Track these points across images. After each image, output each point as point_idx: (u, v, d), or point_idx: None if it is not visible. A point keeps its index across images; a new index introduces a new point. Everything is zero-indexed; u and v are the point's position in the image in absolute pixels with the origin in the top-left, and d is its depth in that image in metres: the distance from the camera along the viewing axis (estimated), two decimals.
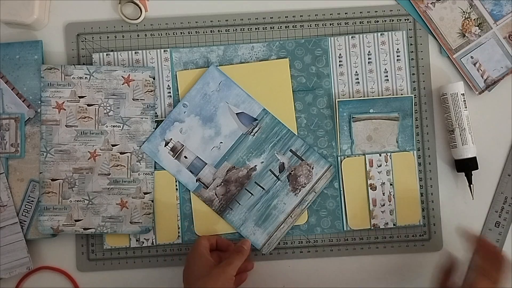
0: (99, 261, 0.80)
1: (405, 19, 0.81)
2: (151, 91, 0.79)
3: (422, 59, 0.81)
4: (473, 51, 0.81)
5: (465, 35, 0.81)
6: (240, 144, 0.79)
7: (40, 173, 0.78)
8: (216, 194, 0.79)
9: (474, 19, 0.81)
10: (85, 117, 0.78)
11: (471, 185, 0.79)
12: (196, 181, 0.79)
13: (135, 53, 0.80)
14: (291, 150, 0.79)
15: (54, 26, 0.81)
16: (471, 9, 0.81)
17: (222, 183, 0.79)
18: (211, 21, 0.81)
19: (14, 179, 0.79)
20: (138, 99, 0.79)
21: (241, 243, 0.76)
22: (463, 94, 0.79)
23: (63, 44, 0.81)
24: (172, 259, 0.80)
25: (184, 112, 0.79)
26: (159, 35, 0.81)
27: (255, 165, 0.79)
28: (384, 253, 0.81)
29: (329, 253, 0.81)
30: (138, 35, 0.81)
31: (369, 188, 0.80)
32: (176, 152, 0.79)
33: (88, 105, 0.78)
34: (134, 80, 0.78)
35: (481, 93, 0.81)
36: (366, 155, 0.80)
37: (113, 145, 0.78)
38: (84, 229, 0.78)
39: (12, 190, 0.78)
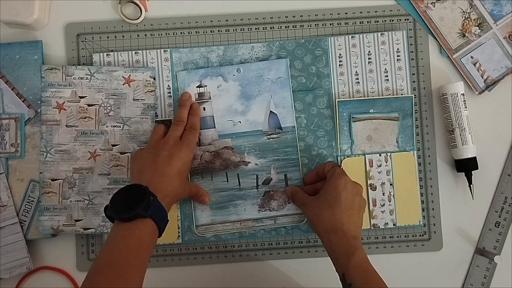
0: None
1: (405, 19, 0.81)
2: (152, 91, 0.79)
3: (422, 59, 0.81)
4: (473, 51, 0.81)
5: (465, 35, 0.81)
6: (252, 136, 0.79)
7: (40, 173, 0.78)
8: (201, 156, 0.78)
9: (474, 19, 0.81)
10: (85, 117, 0.78)
11: (471, 185, 0.79)
12: None
13: (135, 53, 0.80)
14: (285, 175, 0.79)
15: (54, 26, 0.81)
16: (471, 9, 0.81)
17: (213, 153, 0.79)
18: (211, 21, 0.81)
19: (14, 179, 0.79)
20: (138, 99, 0.79)
21: (191, 122, 0.77)
22: (463, 94, 0.79)
23: (63, 44, 0.81)
24: (172, 259, 0.80)
25: (233, 75, 0.79)
26: (159, 35, 0.81)
27: (249, 162, 0.79)
28: (384, 253, 0.81)
29: None
30: (138, 35, 0.81)
31: (369, 188, 0.80)
32: (201, 98, 0.79)
33: (89, 105, 0.78)
34: (134, 80, 0.78)
35: (481, 93, 0.81)
36: (366, 155, 0.80)
37: (113, 145, 0.78)
38: (84, 229, 0.78)
39: (12, 190, 0.78)
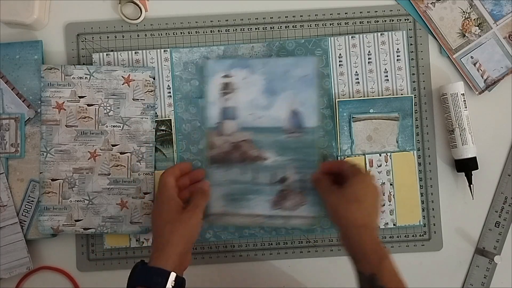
0: (99, 261, 0.80)
1: (405, 19, 0.81)
2: (151, 91, 0.79)
3: (422, 59, 0.81)
4: (473, 51, 0.81)
5: (465, 35, 0.81)
6: (272, 132, 0.78)
7: (40, 173, 0.78)
8: (220, 147, 0.78)
9: (474, 19, 0.81)
10: (85, 117, 0.78)
11: (471, 185, 0.79)
12: (216, 123, 0.79)
13: (135, 53, 0.80)
14: (302, 176, 0.77)
15: (54, 26, 0.81)
16: (471, 9, 0.81)
17: (232, 144, 0.78)
18: (211, 21, 0.81)
19: (14, 179, 0.79)
20: (138, 99, 0.78)
21: (201, 185, 0.76)
22: (463, 94, 0.79)
23: (63, 44, 0.81)
24: None
25: (261, 68, 0.78)
26: (159, 35, 0.81)
27: (267, 158, 0.78)
28: None
29: (329, 253, 0.81)
30: (138, 35, 0.81)
31: None
32: (225, 88, 0.78)
33: (88, 105, 0.78)
34: (134, 80, 0.78)
35: (481, 93, 0.81)
36: (366, 155, 0.80)
37: (113, 145, 0.78)
38: (84, 229, 0.78)
39: (12, 190, 0.78)
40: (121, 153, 0.78)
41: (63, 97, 0.78)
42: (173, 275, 0.65)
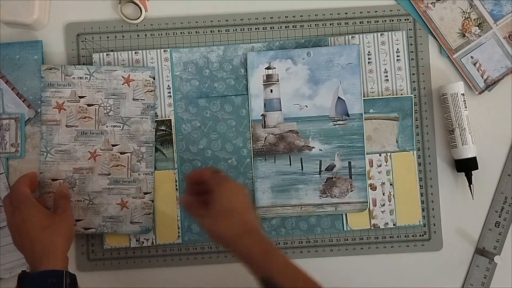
0: (99, 261, 0.80)
1: (405, 19, 0.81)
2: (151, 91, 0.79)
3: (422, 59, 0.81)
4: (473, 51, 0.81)
5: (465, 35, 0.81)
6: (318, 121, 0.79)
7: (40, 173, 0.78)
8: (265, 139, 0.79)
9: (474, 19, 0.81)
10: (85, 117, 0.78)
11: (471, 185, 0.79)
12: (261, 115, 0.79)
13: (135, 53, 0.80)
14: (349, 163, 0.79)
15: (54, 26, 0.81)
16: (471, 9, 0.81)
17: (278, 135, 0.79)
18: (211, 21, 0.81)
19: (14, 179, 0.78)
20: (138, 99, 0.78)
21: (60, 188, 0.77)
22: (463, 94, 0.79)
23: (63, 44, 0.81)
24: (172, 259, 0.80)
25: (303, 59, 0.79)
26: (159, 35, 0.81)
27: (313, 147, 0.79)
28: (384, 253, 0.81)
29: (329, 253, 0.81)
30: (138, 35, 0.81)
31: (369, 188, 0.80)
32: (268, 80, 0.79)
33: (88, 105, 0.78)
34: (134, 80, 0.78)
35: (481, 93, 0.81)
36: (366, 155, 0.80)
37: (113, 145, 0.78)
38: (85, 229, 0.78)
39: None
40: (121, 153, 0.78)
41: (63, 97, 0.78)
42: (66, 273, 0.67)
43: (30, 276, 0.67)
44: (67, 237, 0.71)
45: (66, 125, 0.78)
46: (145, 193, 0.79)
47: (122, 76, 0.78)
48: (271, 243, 0.66)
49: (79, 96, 0.78)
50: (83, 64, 0.80)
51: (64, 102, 0.78)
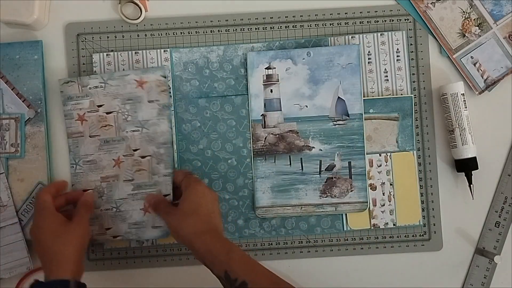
0: (99, 261, 0.80)
1: (405, 19, 0.81)
2: (164, 91, 0.78)
3: (422, 59, 0.81)
4: (473, 51, 0.81)
5: (465, 35, 0.81)
6: (318, 121, 0.79)
7: (72, 185, 0.78)
8: (265, 139, 0.79)
9: (474, 19, 0.81)
10: (105, 126, 0.78)
11: (471, 185, 0.79)
12: (261, 115, 0.79)
13: (135, 53, 0.80)
14: (349, 163, 0.79)
15: (54, 26, 0.81)
16: (471, 9, 0.81)
17: (278, 135, 0.79)
18: (211, 21, 0.81)
19: (14, 179, 0.79)
20: (153, 101, 0.78)
21: (85, 197, 0.77)
22: (463, 94, 0.79)
23: (63, 44, 0.81)
24: (172, 259, 0.80)
25: (303, 59, 0.79)
26: (159, 35, 0.81)
27: (313, 147, 0.79)
28: (384, 253, 0.81)
29: (329, 253, 0.81)
30: (138, 35, 0.81)
31: (369, 188, 0.80)
32: (268, 80, 0.79)
33: (107, 113, 0.78)
34: (147, 81, 0.78)
35: (481, 93, 0.81)
36: (366, 155, 0.80)
37: (134, 150, 0.78)
38: (114, 237, 0.78)
39: (12, 190, 0.78)
40: (142, 157, 0.78)
41: (83, 108, 0.78)
42: (73, 283, 0.67)
43: (38, 285, 0.68)
44: (78, 246, 0.70)
45: (89, 136, 0.78)
46: (165, 195, 0.77)
47: (135, 80, 0.78)
48: (232, 243, 0.68)
49: (97, 105, 0.78)
50: (94, 72, 0.80)
51: (84, 113, 0.78)
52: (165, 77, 0.78)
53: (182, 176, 0.75)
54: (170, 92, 0.79)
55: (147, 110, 0.78)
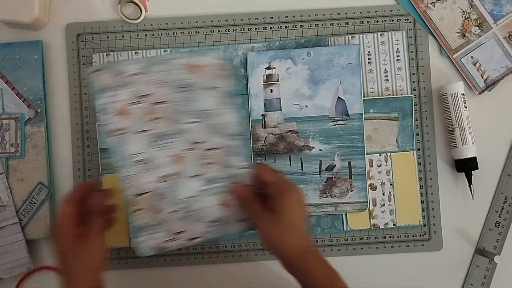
0: None
1: (405, 19, 0.81)
2: (223, 75, 0.68)
3: (422, 59, 0.81)
4: (473, 51, 0.81)
5: (465, 35, 0.81)
6: (318, 121, 0.79)
7: (122, 190, 0.67)
8: (265, 138, 0.79)
9: (474, 19, 0.81)
10: (155, 119, 0.67)
11: (471, 185, 0.79)
12: (261, 115, 0.79)
13: (135, 53, 0.80)
14: (349, 163, 0.79)
15: (54, 26, 0.81)
16: (471, 9, 0.81)
17: (278, 135, 0.79)
18: (211, 21, 0.81)
19: (14, 179, 0.79)
20: (210, 88, 0.68)
21: (91, 201, 0.67)
22: (463, 94, 0.79)
23: (63, 44, 0.81)
24: (172, 259, 0.80)
25: (303, 59, 0.79)
26: (159, 35, 0.81)
27: (313, 147, 0.79)
28: (384, 253, 0.81)
29: (329, 253, 0.81)
30: (138, 35, 0.81)
31: (369, 188, 0.80)
32: (268, 80, 0.79)
33: (154, 103, 0.67)
34: (199, 65, 0.68)
35: (481, 93, 0.81)
36: (366, 155, 0.80)
37: (196, 143, 0.68)
38: (190, 240, 0.68)
39: (12, 190, 0.78)
40: (207, 149, 0.68)
41: (122, 100, 0.66)
42: None
43: None
44: (91, 266, 0.65)
45: (135, 132, 0.67)
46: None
47: (184, 64, 0.68)
48: (335, 270, 0.64)
49: (140, 96, 0.67)
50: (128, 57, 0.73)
51: (124, 106, 0.66)
52: (222, 60, 0.69)
53: (272, 175, 0.67)
54: (232, 77, 0.71)
55: (204, 98, 0.68)
